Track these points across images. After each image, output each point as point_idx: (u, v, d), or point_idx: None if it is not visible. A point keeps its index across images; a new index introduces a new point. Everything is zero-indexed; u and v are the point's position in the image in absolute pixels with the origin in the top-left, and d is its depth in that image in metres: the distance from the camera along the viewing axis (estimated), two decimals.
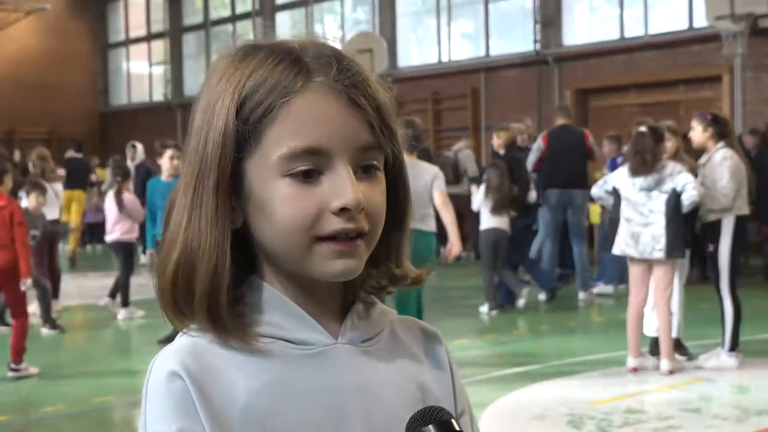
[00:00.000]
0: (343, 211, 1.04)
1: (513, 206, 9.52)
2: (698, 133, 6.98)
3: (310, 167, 1.04)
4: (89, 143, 24.06)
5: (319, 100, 1.05)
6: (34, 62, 24.42)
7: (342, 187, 1.04)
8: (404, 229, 1.15)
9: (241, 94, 1.06)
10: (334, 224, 1.04)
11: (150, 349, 7.52)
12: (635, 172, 6.68)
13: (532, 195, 9.88)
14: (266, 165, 1.05)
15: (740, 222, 6.89)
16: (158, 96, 24.45)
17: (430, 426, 1.01)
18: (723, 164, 6.79)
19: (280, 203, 1.05)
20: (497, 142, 10.20)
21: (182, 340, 1.08)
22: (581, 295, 10.32)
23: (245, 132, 1.05)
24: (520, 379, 6.75)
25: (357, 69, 1.08)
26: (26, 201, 8.85)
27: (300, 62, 1.07)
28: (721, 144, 6.90)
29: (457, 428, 1.01)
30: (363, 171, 1.07)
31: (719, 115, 7.30)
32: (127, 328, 9.38)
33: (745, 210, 6.95)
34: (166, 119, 22.87)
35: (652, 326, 7.00)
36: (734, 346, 6.84)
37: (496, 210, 9.34)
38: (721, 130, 6.96)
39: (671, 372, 6.68)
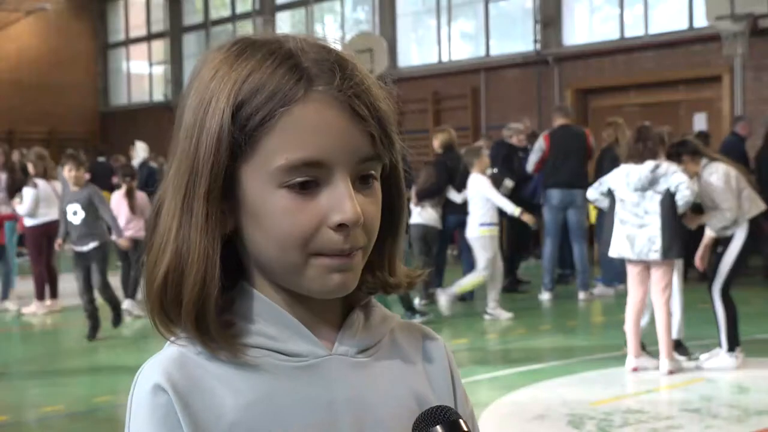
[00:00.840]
0: (341, 226, 1.00)
1: (436, 203, 9.61)
2: (686, 168, 6.83)
3: (307, 179, 1.01)
4: (90, 143, 24.05)
5: (320, 110, 1.01)
6: (34, 62, 24.43)
7: (341, 201, 1.00)
8: (398, 237, 1.13)
9: (237, 97, 1.01)
10: (332, 242, 1.01)
11: (150, 348, 7.52)
12: (633, 158, 6.68)
13: (461, 196, 9.82)
14: (262, 175, 1.01)
15: (755, 222, 6.82)
16: (158, 96, 24.45)
17: (438, 426, 0.99)
18: (710, 180, 6.73)
19: (276, 216, 1.01)
20: (435, 143, 10.25)
21: (169, 351, 1.04)
22: (581, 295, 10.32)
23: (241, 138, 1.01)
24: (520, 379, 6.75)
25: (360, 77, 1.04)
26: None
27: (301, 67, 1.01)
28: (704, 162, 6.86)
29: (465, 428, 0.99)
30: (360, 182, 1.03)
31: (676, 142, 7.21)
32: (126, 327, 9.36)
33: (755, 209, 6.82)
34: (166, 119, 22.81)
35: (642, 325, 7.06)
36: (733, 346, 6.83)
37: (418, 206, 9.51)
38: (689, 149, 6.90)
39: (671, 372, 6.68)
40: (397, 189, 1.12)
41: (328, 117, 1.01)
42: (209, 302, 1.02)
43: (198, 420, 1.00)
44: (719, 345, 6.89)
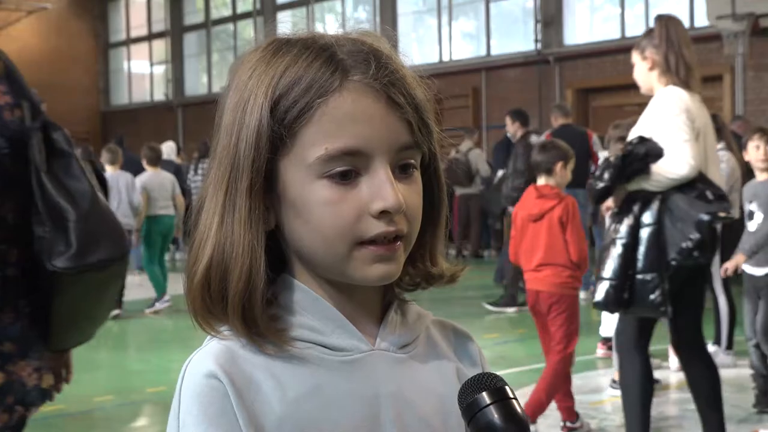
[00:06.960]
0: (383, 213, 1.01)
1: None
2: None
3: (348, 168, 1.01)
4: (90, 143, 24.03)
5: (357, 99, 1.02)
6: (35, 62, 24.42)
7: (382, 189, 1.01)
8: (439, 227, 1.13)
9: (275, 92, 1.02)
10: (375, 228, 1.02)
11: (151, 348, 7.52)
12: None
13: None
14: (302, 166, 1.02)
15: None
16: (159, 95, 24.45)
17: (484, 393, 0.99)
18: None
19: (318, 206, 1.02)
20: None
21: (215, 345, 1.04)
22: (582, 295, 10.31)
23: (280, 132, 1.02)
24: (521, 379, 6.75)
25: (394, 66, 1.06)
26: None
27: (336, 59, 1.03)
28: (720, 146, 6.91)
29: (511, 395, 1.00)
30: (400, 170, 1.04)
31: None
32: (127, 327, 9.37)
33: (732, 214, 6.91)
34: (167, 119, 22.86)
35: (609, 327, 7.12)
36: (730, 345, 6.84)
37: None
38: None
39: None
40: (437, 179, 1.13)
41: (365, 105, 1.02)
42: (256, 295, 1.02)
43: (250, 412, 1.00)
44: (715, 342, 6.89)
